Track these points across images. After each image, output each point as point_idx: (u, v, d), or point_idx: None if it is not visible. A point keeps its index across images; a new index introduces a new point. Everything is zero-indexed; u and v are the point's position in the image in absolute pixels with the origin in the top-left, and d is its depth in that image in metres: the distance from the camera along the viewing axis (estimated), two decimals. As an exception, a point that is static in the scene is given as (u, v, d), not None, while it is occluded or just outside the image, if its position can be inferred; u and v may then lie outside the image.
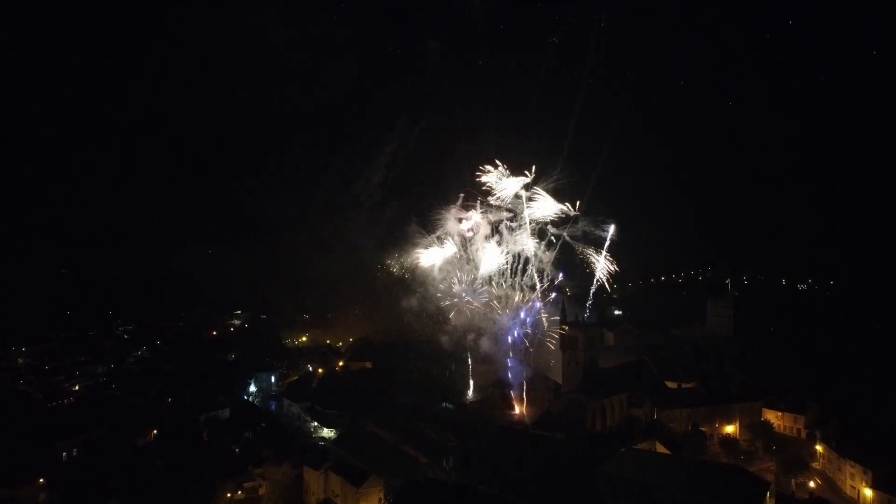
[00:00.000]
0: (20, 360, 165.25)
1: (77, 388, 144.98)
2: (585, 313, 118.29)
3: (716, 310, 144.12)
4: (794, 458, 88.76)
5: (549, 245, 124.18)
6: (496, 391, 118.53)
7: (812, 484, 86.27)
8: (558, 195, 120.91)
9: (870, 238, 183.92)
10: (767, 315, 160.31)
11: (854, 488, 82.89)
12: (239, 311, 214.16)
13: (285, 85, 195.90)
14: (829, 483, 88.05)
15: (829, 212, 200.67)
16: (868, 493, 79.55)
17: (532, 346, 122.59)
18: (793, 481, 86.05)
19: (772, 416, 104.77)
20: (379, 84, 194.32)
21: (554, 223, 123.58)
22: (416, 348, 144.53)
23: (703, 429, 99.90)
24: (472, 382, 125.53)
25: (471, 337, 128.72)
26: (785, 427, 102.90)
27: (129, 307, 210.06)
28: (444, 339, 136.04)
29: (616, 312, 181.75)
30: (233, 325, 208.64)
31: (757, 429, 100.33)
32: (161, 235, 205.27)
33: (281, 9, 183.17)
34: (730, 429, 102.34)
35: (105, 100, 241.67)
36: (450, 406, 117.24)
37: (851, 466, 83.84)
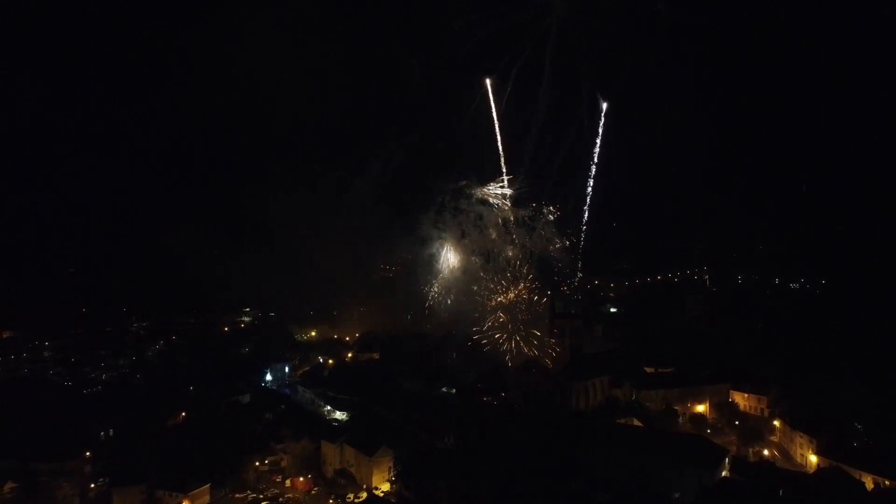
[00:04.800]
0: (45, 354, 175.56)
1: (104, 377, 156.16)
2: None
3: (694, 304, 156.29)
4: (752, 431, 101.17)
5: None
6: (492, 375, 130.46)
7: (766, 452, 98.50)
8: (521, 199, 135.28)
9: (861, 239, 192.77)
10: (754, 310, 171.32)
11: (803, 455, 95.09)
12: (248, 309, 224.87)
13: (287, 100, 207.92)
14: (783, 453, 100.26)
15: (823, 213, 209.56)
16: (813, 458, 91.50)
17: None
18: (750, 451, 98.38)
19: (738, 398, 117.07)
20: (370, 100, 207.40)
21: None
22: (419, 340, 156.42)
23: (676, 408, 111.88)
24: (470, 369, 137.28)
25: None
26: (750, 407, 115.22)
27: (141, 305, 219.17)
28: (439, 332, 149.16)
29: (612, 310, 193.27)
30: (243, 322, 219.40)
31: (724, 408, 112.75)
32: (169, 237, 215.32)
33: (280, 27, 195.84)
34: (700, 408, 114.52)
35: (118, 109, 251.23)
36: (450, 390, 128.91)
37: (801, 437, 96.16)
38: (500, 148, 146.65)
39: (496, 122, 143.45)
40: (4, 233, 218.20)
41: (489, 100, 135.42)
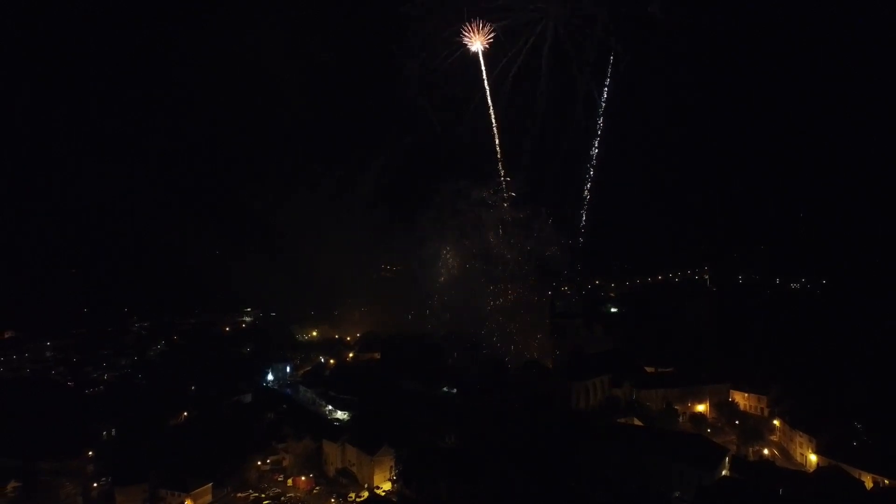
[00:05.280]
0: (47, 354, 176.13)
1: (106, 377, 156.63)
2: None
3: (694, 304, 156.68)
4: (752, 430, 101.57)
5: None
6: (493, 375, 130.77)
7: (766, 452, 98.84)
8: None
9: (862, 239, 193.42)
10: (754, 310, 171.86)
11: (802, 455, 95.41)
12: (249, 309, 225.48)
13: (287, 100, 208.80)
14: (783, 452, 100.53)
15: (823, 214, 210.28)
16: (813, 458, 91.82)
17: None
18: (750, 450, 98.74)
19: (739, 398, 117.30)
20: (370, 101, 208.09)
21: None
22: (419, 340, 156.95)
23: (676, 407, 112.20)
24: (470, 369, 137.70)
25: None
26: (750, 406, 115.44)
27: (142, 305, 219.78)
28: (440, 332, 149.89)
29: (612, 310, 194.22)
30: (244, 322, 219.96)
31: (724, 408, 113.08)
32: (170, 237, 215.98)
33: (280, 27, 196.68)
34: (701, 408, 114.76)
35: (119, 108, 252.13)
36: (451, 390, 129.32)
37: (800, 436, 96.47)
38: (498, 149, 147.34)
39: (494, 122, 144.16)
40: (6, 233, 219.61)
41: (487, 98, 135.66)
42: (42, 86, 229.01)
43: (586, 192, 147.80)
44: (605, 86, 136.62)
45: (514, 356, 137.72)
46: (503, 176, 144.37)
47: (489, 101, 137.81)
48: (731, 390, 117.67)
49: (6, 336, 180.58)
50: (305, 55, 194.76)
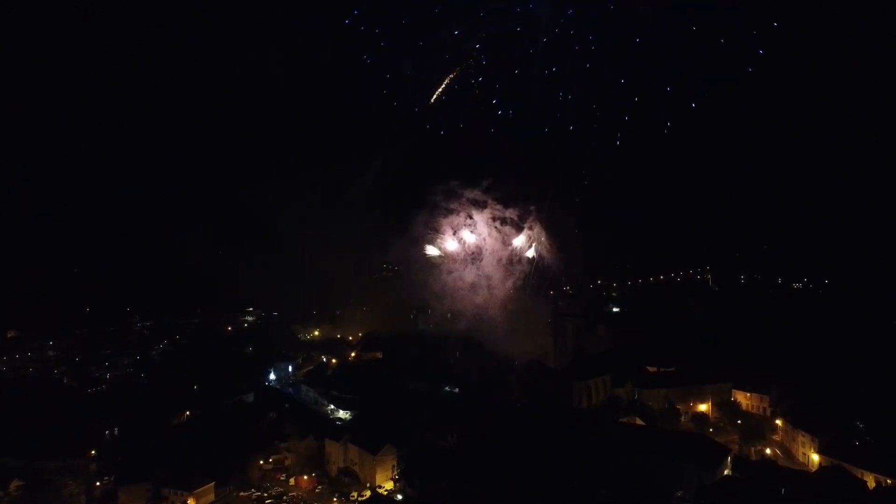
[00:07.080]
0: (49, 353, 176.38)
1: (108, 376, 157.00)
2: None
3: (697, 304, 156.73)
4: (754, 429, 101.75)
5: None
6: (494, 375, 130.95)
7: (768, 451, 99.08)
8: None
9: (862, 238, 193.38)
10: (756, 310, 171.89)
11: (805, 454, 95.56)
12: (251, 309, 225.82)
13: (288, 101, 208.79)
14: (785, 452, 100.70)
15: (825, 213, 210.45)
16: (815, 457, 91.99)
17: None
18: (752, 450, 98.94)
19: (741, 397, 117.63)
20: (370, 102, 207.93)
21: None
22: (421, 339, 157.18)
23: (678, 407, 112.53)
24: (472, 369, 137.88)
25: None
26: (752, 406, 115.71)
27: (145, 305, 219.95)
28: (441, 332, 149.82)
29: (614, 309, 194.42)
30: (246, 322, 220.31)
31: (725, 407, 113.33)
32: (172, 237, 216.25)
33: (279, 28, 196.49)
34: (702, 407, 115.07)
35: (120, 108, 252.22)
36: (453, 389, 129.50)
37: (802, 436, 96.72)
38: (494, 147, 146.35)
39: (487, 121, 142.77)
40: (7, 233, 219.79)
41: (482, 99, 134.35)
42: (42, 86, 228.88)
43: (583, 193, 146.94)
44: (603, 86, 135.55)
45: (515, 355, 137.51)
46: (498, 176, 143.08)
47: (483, 102, 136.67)
48: (732, 390, 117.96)
49: (9, 336, 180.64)
50: (305, 55, 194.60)
